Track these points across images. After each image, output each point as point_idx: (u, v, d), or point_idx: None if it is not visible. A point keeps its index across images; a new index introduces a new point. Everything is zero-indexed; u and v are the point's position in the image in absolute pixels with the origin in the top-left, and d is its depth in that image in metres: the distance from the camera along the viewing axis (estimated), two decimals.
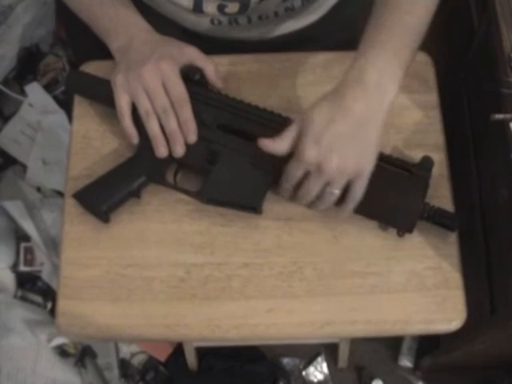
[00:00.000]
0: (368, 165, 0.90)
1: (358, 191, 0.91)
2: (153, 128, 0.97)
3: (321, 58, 1.09)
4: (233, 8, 1.07)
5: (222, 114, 0.99)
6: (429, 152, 1.01)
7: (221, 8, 1.07)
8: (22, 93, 2.01)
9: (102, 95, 1.01)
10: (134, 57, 0.98)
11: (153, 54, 0.97)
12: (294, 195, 0.96)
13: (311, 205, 0.96)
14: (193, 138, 0.97)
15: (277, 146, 0.91)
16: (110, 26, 1.02)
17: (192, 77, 0.99)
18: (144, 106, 0.96)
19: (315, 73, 1.08)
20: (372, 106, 0.89)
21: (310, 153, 0.88)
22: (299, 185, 0.93)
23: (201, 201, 0.99)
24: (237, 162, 0.97)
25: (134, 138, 0.99)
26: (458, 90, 1.52)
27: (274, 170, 0.96)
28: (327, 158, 0.87)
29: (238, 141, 0.98)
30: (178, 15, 1.14)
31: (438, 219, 0.95)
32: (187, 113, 0.97)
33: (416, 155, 1.00)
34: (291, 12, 1.13)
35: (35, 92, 1.97)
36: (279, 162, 0.93)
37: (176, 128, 0.97)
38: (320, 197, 0.93)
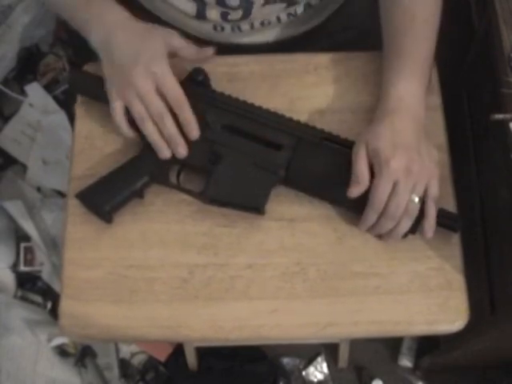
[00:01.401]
0: (436, 168, 0.94)
1: (436, 191, 0.93)
2: (151, 134, 0.96)
3: (323, 58, 1.09)
4: (236, 15, 1.07)
5: (225, 115, 0.98)
6: None
7: (224, 15, 1.07)
8: (22, 93, 2.00)
9: (104, 95, 1.01)
10: (119, 59, 0.96)
11: (138, 54, 0.95)
12: (379, 222, 0.94)
13: (395, 229, 0.94)
14: (195, 134, 0.97)
15: (361, 185, 0.92)
16: (86, 18, 1.00)
17: (195, 77, 0.99)
18: (138, 112, 0.95)
19: (318, 74, 1.08)
20: (420, 123, 0.96)
21: (395, 162, 0.89)
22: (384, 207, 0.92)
23: (203, 201, 0.99)
24: (240, 162, 0.97)
25: (139, 139, 0.99)
26: (458, 90, 1.52)
27: (277, 171, 0.96)
28: (410, 156, 0.91)
29: (242, 141, 0.97)
30: (181, 21, 1.14)
31: (441, 220, 0.94)
32: (186, 112, 0.96)
33: None
34: (294, 18, 1.14)
35: (35, 92, 1.97)
36: (286, 166, 0.96)
37: (174, 131, 0.96)
38: (405, 211, 0.92)
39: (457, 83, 1.51)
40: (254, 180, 0.97)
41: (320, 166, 0.96)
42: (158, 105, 0.94)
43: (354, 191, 0.91)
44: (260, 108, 0.99)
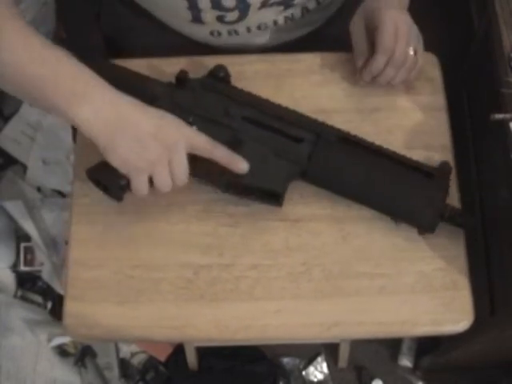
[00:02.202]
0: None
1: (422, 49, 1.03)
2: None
3: (329, 58, 1.09)
4: (232, 17, 1.07)
5: (246, 109, 0.98)
6: (436, 153, 1.02)
7: (220, 18, 1.07)
8: None
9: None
10: (138, 129, 0.86)
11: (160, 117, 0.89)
12: (384, 71, 1.01)
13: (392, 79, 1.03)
14: (245, 165, 0.93)
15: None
16: (72, 87, 0.84)
17: (217, 74, 1.00)
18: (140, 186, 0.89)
19: (323, 73, 1.08)
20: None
21: (391, 11, 0.99)
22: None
23: (219, 187, 0.98)
24: (260, 151, 0.97)
25: None
26: (458, 90, 1.52)
27: (299, 161, 0.96)
28: (405, 19, 1.00)
29: (263, 132, 0.97)
30: (178, 24, 1.14)
31: (459, 219, 0.96)
32: (223, 150, 0.92)
33: (423, 156, 1.00)
34: (291, 22, 1.14)
35: None
36: (307, 157, 0.96)
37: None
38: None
39: (457, 83, 1.52)
40: (274, 167, 0.96)
41: (341, 163, 0.97)
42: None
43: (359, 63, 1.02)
44: (279, 105, 1.00)
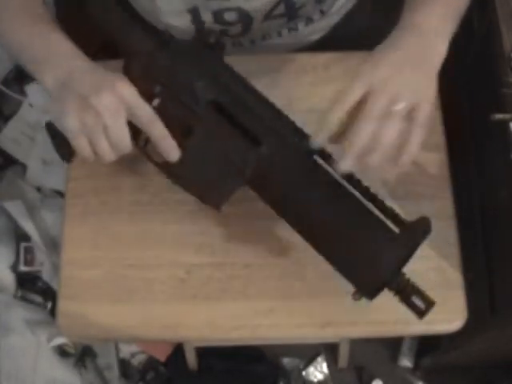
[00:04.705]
0: (430, 91, 0.83)
1: (423, 116, 0.81)
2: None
3: (322, 58, 1.09)
4: (235, 30, 1.07)
5: (217, 90, 0.87)
6: (430, 152, 1.01)
7: (223, 32, 1.07)
8: (22, 93, 2.00)
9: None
10: (81, 88, 0.85)
11: (103, 80, 0.86)
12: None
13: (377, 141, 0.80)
14: (176, 154, 0.87)
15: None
16: (42, 55, 0.90)
17: (206, 39, 0.90)
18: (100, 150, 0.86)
19: (316, 73, 1.08)
20: (429, 47, 0.84)
21: (371, 72, 0.82)
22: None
23: (164, 174, 0.90)
24: (210, 145, 0.86)
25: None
26: (458, 91, 1.52)
27: (244, 170, 0.84)
28: (391, 72, 0.81)
29: (222, 123, 0.86)
30: (182, 38, 1.14)
31: (408, 299, 0.80)
32: (161, 130, 0.86)
33: (416, 156, 1.00)
34: (294, 32, 1.13)
35: (35, 92, 1.96)
36: (254, 166, 0.84)
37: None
38: (385, 121, 0.79)
39: (457, 83, 1.51)
40: (217, 172, 0.86)
41: (292, 180, 0.83)
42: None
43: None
44: (259, 95, 0.89)
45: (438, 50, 0.85)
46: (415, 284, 0.81)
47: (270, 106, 0.89)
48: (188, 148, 0.87)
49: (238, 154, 0.85)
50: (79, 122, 0.84)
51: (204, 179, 0.87)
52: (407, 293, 0.80)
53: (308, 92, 1.06)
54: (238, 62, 1.07)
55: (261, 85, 1.05)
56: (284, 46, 1.18)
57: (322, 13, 1.13)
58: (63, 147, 0.90)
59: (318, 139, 0.83)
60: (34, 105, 1.98)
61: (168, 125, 0.85)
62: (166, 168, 0.89)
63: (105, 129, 0.83)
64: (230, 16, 1.04)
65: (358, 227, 0.80)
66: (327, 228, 0.81)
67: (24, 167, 1.95)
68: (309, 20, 1.13)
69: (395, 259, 0.78)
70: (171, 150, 0.86)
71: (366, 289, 0.80)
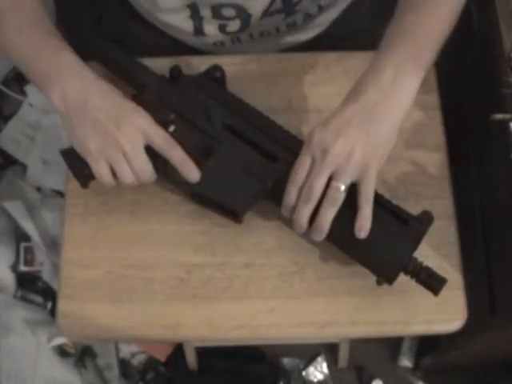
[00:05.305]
0: (376, 159, 0.85)
1: (369, 188, 0.85)
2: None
3: (321, 58, 1.09)
4: (234, 26, 1.07)
5: (230, 115, 0.95)
6: (429, 152, 1.01)
7: (222, 27, 1.07)
8: (22, 93, 2.00)
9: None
10: (98, 114, 0.87)
11: (120, 108, 0.89)
12: (297, 208, 0.88)
13: (316, 220, 0.87)
14: (196, 175, 0.92)
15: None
16: (50, 71, 0.89)
17: (212, 74, 0.98)
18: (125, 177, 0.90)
19: (316, 73, 1.08)
20: (386, 100, 0.85)
21: (317, 135, 0.85)
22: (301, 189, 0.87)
23: (185, 193, 0.98)
24: (231, 163, 0.93)
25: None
26: (458, 91, 1.52)
27: (265, 181, 0.92)
28: (333, 140, 0.83)
29: (238, 143, 0.94)
30: (181, 37, 1.14)
31: (424, 278, 0.89)
32: (181, 154, 0.91)
33: (416, 156, 1.00)
34: (293, 28, 1.13)
35: (35, 92, 1.96)
36: (275, 178, 0.91)
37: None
38: (325, 197, 0.85)
39: (457, 83, 1.51)
40: (239, 184, 0.93)
41: None
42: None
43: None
44: (267, 118, 0.96)
45: (404, 93, 0.87)
46: (427, 265, 0.89)
47: (280, 128, 0.96)
48: (209, 167, 0.93)
49: (258, 167, 0.93)
50: (100, 147, 0.87)
51: (226, 194, 0.93)
52: (421, 274, 0.88)
53: (308, 92, 1.06)
54: (239, 62, 1.08)
55: (261, 85, 1.06)
56: (283, 42, 1.18)
57: (320, 8, 1.13)
58: (81, 172, 0.93)
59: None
60: (34, 105, 1.98)
61: (185, 148, 0.92)
62: (188, 186, 0.94)
63: (125, 155, 0.87)
64: (228, 11, 1.04)
65: (376, 222, 0.87)
66: (348, 228, 0.88)
67: (24, 167, 1.95)
68: (307, 15, 1.13)
69: (408, 246, 0.89)
70: (192, 172, 0.91)
71: (387, 274, 0.89)
